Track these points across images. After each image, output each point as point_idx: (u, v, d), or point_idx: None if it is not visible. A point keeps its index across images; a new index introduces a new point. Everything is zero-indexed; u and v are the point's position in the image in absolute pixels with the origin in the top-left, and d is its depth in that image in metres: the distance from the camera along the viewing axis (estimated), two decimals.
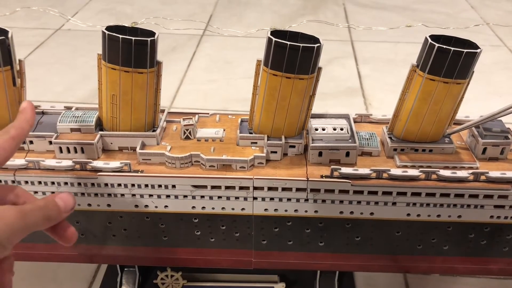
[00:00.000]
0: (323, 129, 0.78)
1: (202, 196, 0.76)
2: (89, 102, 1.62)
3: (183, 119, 0.81)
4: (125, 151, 0.80)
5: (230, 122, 0.86)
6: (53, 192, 0.76)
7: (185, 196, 0.76)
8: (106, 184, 0.75)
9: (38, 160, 0.74)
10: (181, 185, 0.75)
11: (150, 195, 0.76)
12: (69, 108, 0.84)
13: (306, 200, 0.76)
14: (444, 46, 0.69)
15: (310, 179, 0.74)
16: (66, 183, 0.75)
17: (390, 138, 0.80)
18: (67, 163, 0.74)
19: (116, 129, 0.79)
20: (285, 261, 0.85)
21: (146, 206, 0.78)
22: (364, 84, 1.78)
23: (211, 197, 0.76)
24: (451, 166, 0.77)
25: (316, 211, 0.77)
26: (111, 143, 0.79)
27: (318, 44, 0.70)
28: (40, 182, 0.75)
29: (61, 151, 0.77)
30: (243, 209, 0.77)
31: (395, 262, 0.84)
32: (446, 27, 2.29)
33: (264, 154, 0.77)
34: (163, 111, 0.84)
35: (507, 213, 0.76)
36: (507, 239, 0.80)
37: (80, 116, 0.79)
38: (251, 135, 0.80)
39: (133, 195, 0.76)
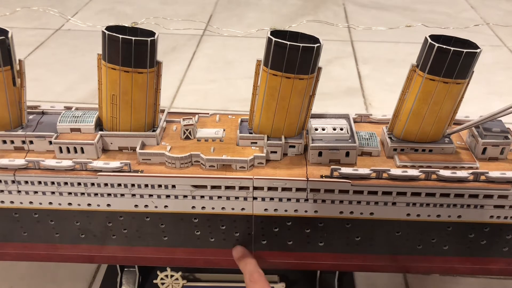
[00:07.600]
0: (323, 129, 0.78)
1: (202, 196, 0.76)
2: (89, 102, 1.61)
3: (183, 119, 0.81)
4: (125, 151, 0.80)
5: (230, 122, 0.86)
6: (53, 193, 0.76)
7: (185, 196, 0.76)
8: (106, 184, 0.75)
9: (38, 160, 0.74)
10: (181, 185, 0.75)
11: (150, 195, 0.76)
12: (69, 108, 0.84)
13: (306, 200, 0.76)
14: (444, 46, 0.69)
15: (310, 179, 0.74)
16: (66, 183, 0.75)
17: (390, 138, 0.80)
18: (67, 163, 0.75)
19: (116, 129, 0.79)
20: (285, 261, 0.85)
21: (146, 206, 0.78)
22: (364, 84, 1.78)
23: (211, 197, 0.76)
24: (451, 166, 0.77)
25: (316, 211, 0.77)
26: (111, 143, 0.79)
27: (318, 44, 0.70)
28: (40, 182, 0.75)
29: (61, 151, 0.77)
30: (243, 209, 0.77)
31: (395, 262, 0.84)
32: (446, 27, 2.29)
33: (264, 154, 0.76)
34: (163, 111, 0.84)
35: (507, 213, 0.76)
36: (507, 239, 0.80)
37: (80, 116, 0.79)
38: (251, 135, 0.80)
39: (133, 195, 0.76)
